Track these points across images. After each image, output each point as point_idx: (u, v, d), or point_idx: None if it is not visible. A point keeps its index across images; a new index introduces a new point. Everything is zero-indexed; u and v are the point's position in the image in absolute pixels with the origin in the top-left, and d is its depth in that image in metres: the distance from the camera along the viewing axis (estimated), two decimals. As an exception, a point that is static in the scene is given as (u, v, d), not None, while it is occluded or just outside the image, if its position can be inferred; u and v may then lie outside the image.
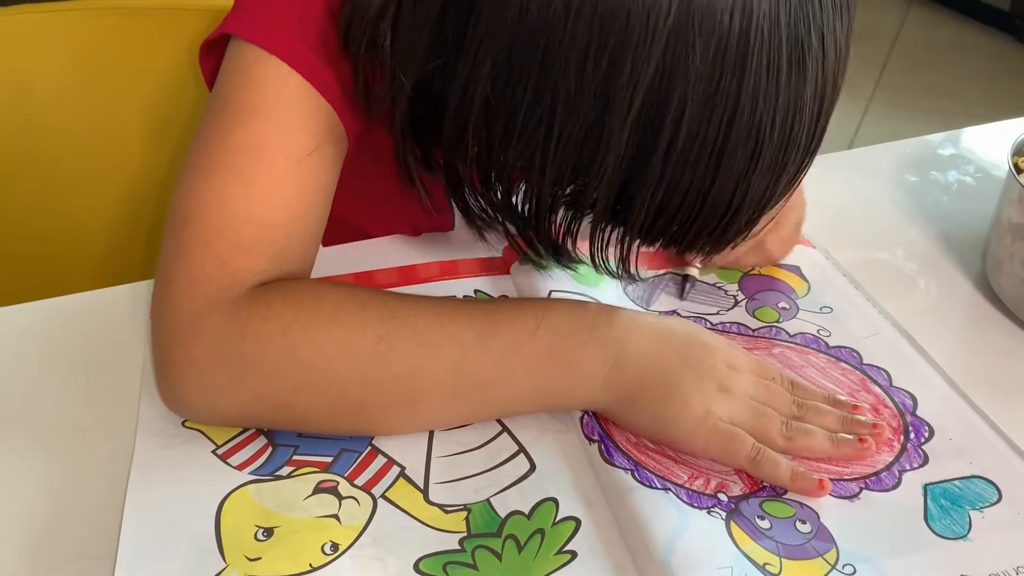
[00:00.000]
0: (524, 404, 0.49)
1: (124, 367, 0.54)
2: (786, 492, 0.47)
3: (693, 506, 0.44)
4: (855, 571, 0.42)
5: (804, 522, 0.44)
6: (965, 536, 0.45)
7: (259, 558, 0.43)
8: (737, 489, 0.46)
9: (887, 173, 0.75)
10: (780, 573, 0.41)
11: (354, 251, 0.64)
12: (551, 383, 0.48)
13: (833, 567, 0.42)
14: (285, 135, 0.49)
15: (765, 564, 0.41)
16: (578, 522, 0.45)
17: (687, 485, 0.46)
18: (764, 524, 0.44)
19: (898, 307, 0.60)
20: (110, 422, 0.51)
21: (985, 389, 0.54)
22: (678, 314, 0.59)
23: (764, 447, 0.47)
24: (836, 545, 0.43)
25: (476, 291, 0.60)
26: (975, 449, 0.50)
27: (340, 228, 0.65)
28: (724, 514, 0.44)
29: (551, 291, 0.58)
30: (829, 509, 0.45)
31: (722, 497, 0.45)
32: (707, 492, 0.46)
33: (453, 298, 0.54)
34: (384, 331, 0.46)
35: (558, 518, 0.45)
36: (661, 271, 0.63)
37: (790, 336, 0.58)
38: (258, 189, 0.48)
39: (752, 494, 0.46)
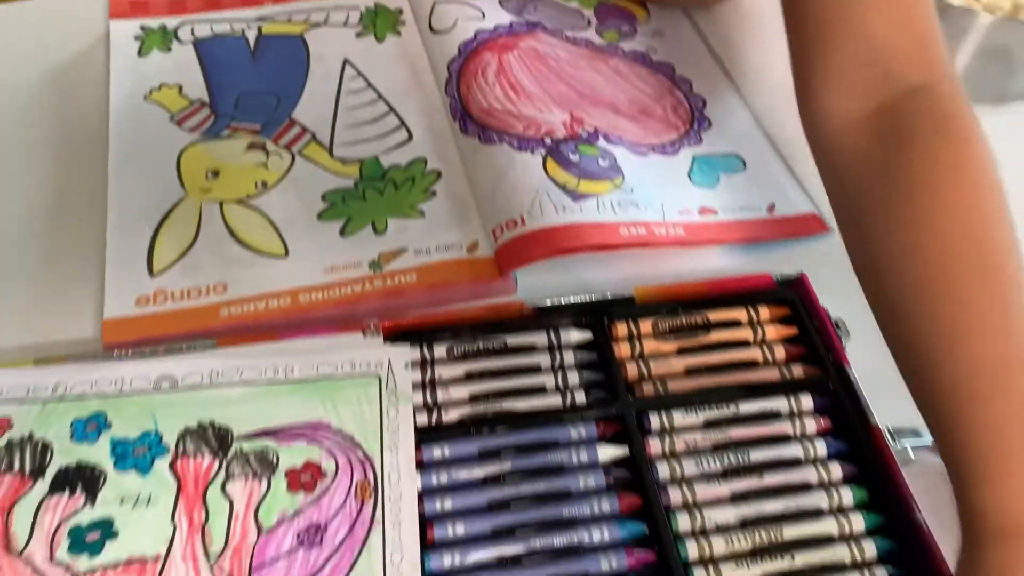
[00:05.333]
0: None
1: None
2: (599, 140, 0.64)
3: (521, 150, 0.61)
4: (633, 191, 0.60)
5: (604, 159, 0.62)
6: (714, 186, 0.64)
7: (210, 190, 0.60)
8: (561, 133, 0.63)
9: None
10: (577, 187, 0.59)
11: None
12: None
13: (618, 188, 0.60)
14: None
15: (565, 183, 0.60)
16: (439, 173, 0.62)
17: (521, 134, 0.63)
18: (574, 158, 0.62)
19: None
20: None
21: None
22: (543, 26, 0.74)
23: None
24: (623, 175, 0.62)
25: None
26: (741, 141, 0.67)
27: None
28: (544, 152, 0.62)
29: (434, 3, 0.72)
30: (624, 156, 0.63)
31: (547, 140, 0.63)
32: (536, 137, 0.63)
33: None
34: None
35: (426, 170, 0.62)
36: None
37: (624, 53, 0.74)
38: None
39: (573, 138, 0.63)
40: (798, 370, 0.52)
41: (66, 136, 0.64)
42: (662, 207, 0.61)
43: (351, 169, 0.62)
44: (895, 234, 0.43)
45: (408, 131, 0.65)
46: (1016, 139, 0.71)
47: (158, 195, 0.60)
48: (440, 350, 0.52)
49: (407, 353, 0.50)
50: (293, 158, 0.62)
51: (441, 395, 0.50)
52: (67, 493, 0.44)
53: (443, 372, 0.51)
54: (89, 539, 0.43)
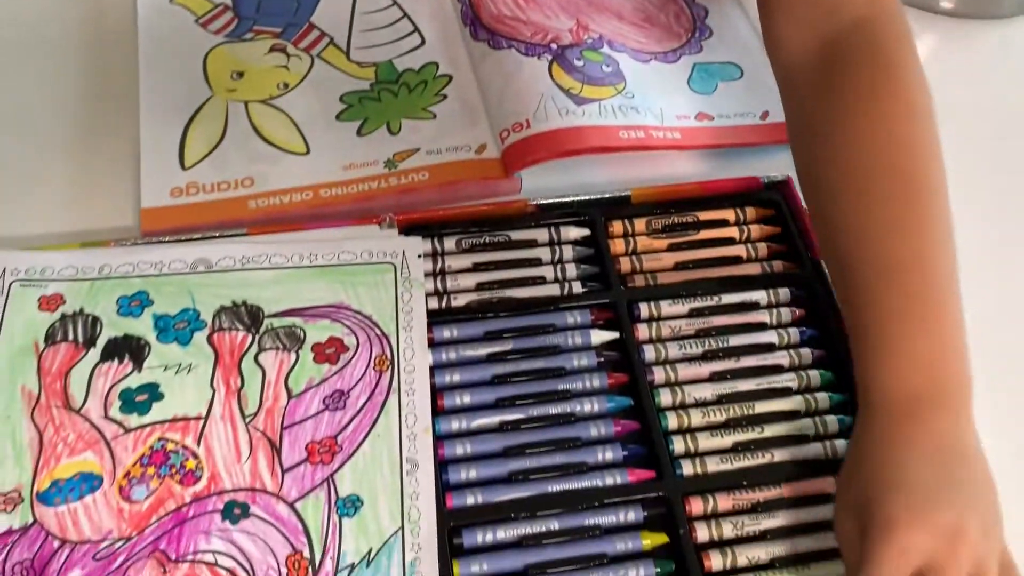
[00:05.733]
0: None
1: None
2: (603, 46, 0.67)
3: (528, 55, 0.65)
4: (634, 96, 0.64)
5: (608, 66, 0.66)
6: (711, 93, 0.67)
7: (235, 90, 0.64)
8: (567, 40, 0.67)
9: None
10: (581, 92, 0.63)
11: None
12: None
13: (620, 93, 0.64)
14: None
15: (569, 88, 0.63)
16: (450, 77, 0.66)
17: (529, 40, 0.66)
18: (579, 64, 0.65)
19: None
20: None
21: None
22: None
23: None
24: (626, 81, 0.65)
25: None
26: (739, 50, 0.70)
27: None
28: (550, 58, 0.65)
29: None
30: (627, 63, 0.66)
31: (553, 46, 0.66)
32: (543, 43, 0.66)
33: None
34: None
35: (438, 74, 0.66)
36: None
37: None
38: None
39: (578, 44, 0.66)
40: (778, 265, 0.56)
41: (96, 36, 0.67)
42: (661, 112, 0.64)
43: (367, 72, 0.66)
44: (825, 149, 0.48)
45: (421, 36, 0.68)
46: (1007, 54, 0.74)
47: (187, 93, 0.63)
48: (450, 243, 0.56)
49: (420, 244, 0.55)
50: (312, 61, 0.66)
51: (450, 283, 0.55)
52: (116, 361, 0.50)
53: (452, 262, 0.56)
54: (138, 400, 0.48)
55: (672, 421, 0.50)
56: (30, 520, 0.44)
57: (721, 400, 0.51)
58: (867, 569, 0.40)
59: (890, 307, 0.44)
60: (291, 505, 0.45)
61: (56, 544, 0.44)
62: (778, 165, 0.61)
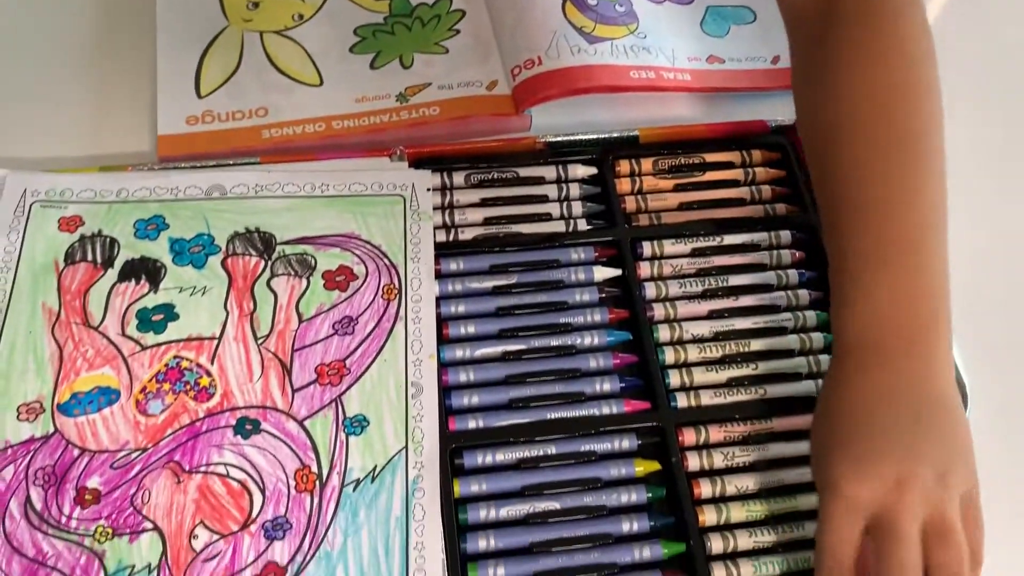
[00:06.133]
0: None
1: None
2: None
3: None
4: (646, 37, 0.64)
5: (621, 5, 0.66)
6: (723, 36, 0.67)
7: (251, 20, 0.64)
8: None
9: None
10: (593, 31, 0.63)
11: None
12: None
13: (632, 33, 0.64)
14: None
15: (582, 26, 0.64)
16: (464, 12, 0.66)
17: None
18: (592, 2, 0.65)
19: None
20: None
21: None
22: None
23: None
24: (638, 21, 0.65)
25: None
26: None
27: None
28: None
29: None
30: (641, 3, 0.66)
31: None
32: None
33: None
34: None
35: (451, 9, 0.66)
36: None
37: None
38: None
39: None
40: (781, 208, 0.57)
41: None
42: (672, 54, 0.64)
43: (381, 5, 0.66)
44: (821, 95, 0.47)
45: (436, -29, 0.68)
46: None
47: (203, 23, 0.64)
48: (459, 177, 0.57)
49: (429, 178, 0.56)
50: (328, -8, 0.66)
51: (458, 217, 0.56)
52: (133, 281, 0.51)
53: (460, 197, 0.57)
54: (154, 319, 0.50)
55: (669, 356, 0.51)
56: (51, 429, 0.47)
57: (718, 337, 0.52)
58: (819, 526, 0.41)
59: (864, 250, 0.44)
60: (300, 423, 0.47)
61: (76, 452, 0.46)
62: (785, 110, 0.61)
